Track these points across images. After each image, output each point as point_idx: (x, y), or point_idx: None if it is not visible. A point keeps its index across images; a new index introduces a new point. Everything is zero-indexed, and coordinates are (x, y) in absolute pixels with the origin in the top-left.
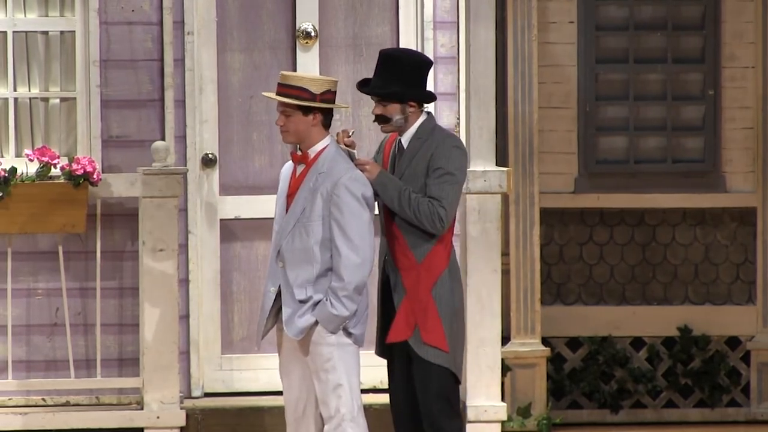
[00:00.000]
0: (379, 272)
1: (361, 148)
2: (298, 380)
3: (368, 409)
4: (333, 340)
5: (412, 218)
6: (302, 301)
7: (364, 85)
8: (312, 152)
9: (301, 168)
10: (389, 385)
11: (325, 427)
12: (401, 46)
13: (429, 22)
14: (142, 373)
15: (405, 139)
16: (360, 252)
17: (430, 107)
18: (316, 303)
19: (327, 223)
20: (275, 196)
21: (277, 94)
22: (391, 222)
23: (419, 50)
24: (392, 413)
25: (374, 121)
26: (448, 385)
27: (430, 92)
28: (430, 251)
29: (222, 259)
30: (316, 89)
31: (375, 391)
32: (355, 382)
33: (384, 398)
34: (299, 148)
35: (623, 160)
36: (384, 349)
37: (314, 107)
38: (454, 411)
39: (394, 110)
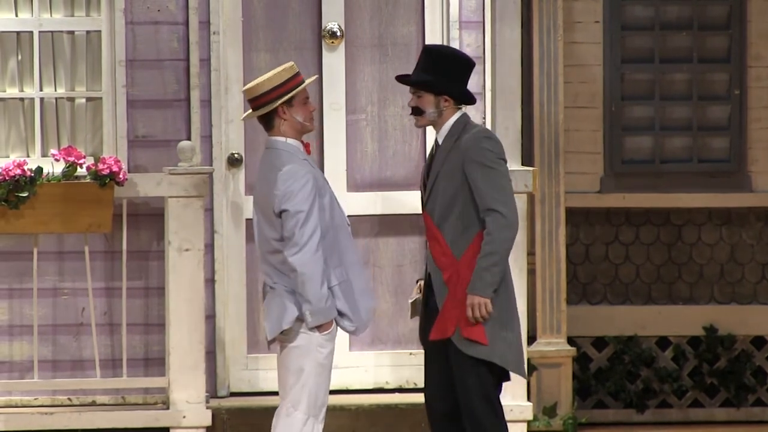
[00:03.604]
0: (426, 272)
1: (386, 147)
2: None
3: (394, 409)
4: None
5: (505, 250)
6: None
7: (403, 78)
8: None
9: None
10: (425, 382)
11: None
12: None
13: (455, 22)
14: (168, 372)
15: (440, 137)
16: None
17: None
18: None
19: None
20: None
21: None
22: (431, 224)
23: None
24: (427, 411)
25: (410, 113)
26: (488, 383)
27: (467, 91)
28: (468, 247)
29: (248, 259)
30: None
31: (401, 390)
32: None
33: (410, 398)
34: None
35: (649, 159)
36: (424, 341)
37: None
38: (499, 413)
39: (428, 103)
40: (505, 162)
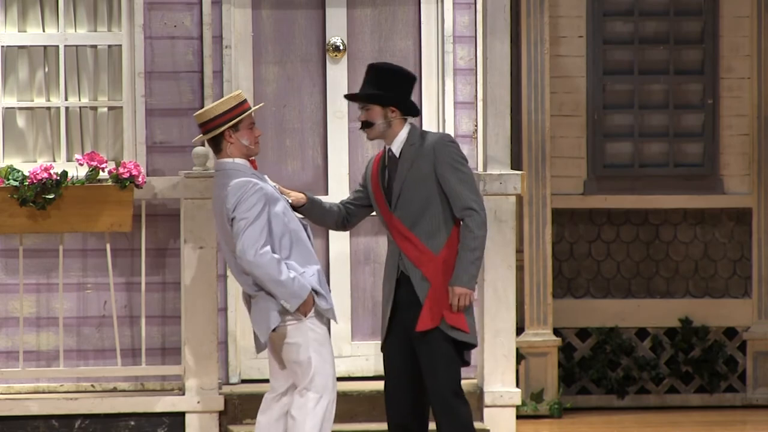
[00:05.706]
0: (393, 272)
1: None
2: None
3: (368, 395)
4: None
5: (484, 245)
6: None
7: (350, 94)
8: None
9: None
10: (389, 376)
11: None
12: (423, 59)
13: (449, 36)
14: (184, 361)
15: (396, 148)
16: None
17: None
18: None
19: None
20: None
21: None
22: (401, 227)
23: (439, 63)
24: (386, 398)
25: (360, 128)
26: (458, 376)
27: (412, 102)
28: (445, 243)
29: None
30: None
31: (373, 378)
32: None
33: (373, 385)
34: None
35: (629, 164)
36: (385, 343)
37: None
38: (465, 398)
39: (376, 115)
40: (467, 161)
